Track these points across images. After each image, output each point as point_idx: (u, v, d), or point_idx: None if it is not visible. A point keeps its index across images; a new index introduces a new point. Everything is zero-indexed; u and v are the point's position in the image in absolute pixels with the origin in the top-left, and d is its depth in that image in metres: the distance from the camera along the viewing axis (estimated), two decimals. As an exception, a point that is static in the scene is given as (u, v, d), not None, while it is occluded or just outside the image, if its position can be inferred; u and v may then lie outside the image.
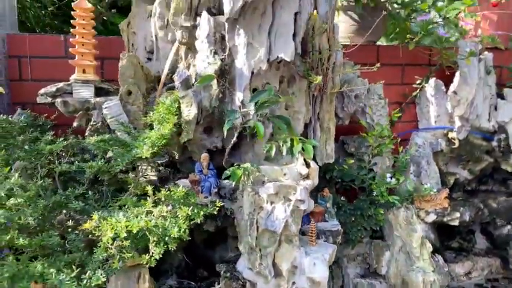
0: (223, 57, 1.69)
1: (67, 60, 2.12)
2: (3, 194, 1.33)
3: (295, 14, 1.65)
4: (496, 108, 2.63)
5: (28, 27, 3.13)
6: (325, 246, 1.71)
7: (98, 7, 2.09)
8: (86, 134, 1.89)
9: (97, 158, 1.70)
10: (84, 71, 1.94)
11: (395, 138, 2.30)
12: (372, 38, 2.63)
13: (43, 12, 3.25)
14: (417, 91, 2.65)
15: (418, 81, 2.63)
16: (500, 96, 2.65)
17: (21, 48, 2.19)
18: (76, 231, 1.54)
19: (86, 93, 1.92)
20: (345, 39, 2.59)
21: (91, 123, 1.87)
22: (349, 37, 2.59)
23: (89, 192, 1.61)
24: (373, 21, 2.32)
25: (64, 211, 1.61)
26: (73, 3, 1.92)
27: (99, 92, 1.98)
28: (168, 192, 1.40)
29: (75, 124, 1.98)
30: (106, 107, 1.85)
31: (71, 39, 1.96)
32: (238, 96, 1.71)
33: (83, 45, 1.94)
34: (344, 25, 2.59)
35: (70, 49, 1.96)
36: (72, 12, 1.93)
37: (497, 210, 2.58)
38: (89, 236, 1.49)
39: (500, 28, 2.66)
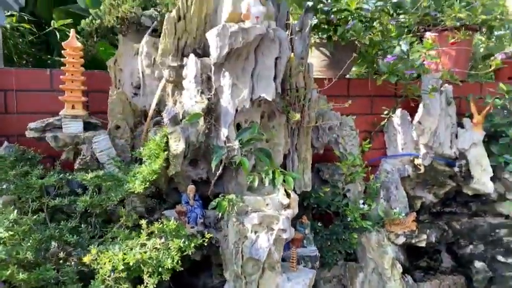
0: (209, 96, 1.82)
1: (52, 93, 2.20)
2: (2, 230, 1.39)
3: (276, 58, 1.80)
4: (456, 136, 2.84)
5: (7, 55, 3.17)
6: (305, 271, 1.84)
7: (87, 45, 2.19)
8: (76, 167, 1.95)
9: (87, 191, 1.77)
10: (73, 107, 2.02)
11: (366, 167, 2.47)
12: (344, 72, 2.82)
13: (21, 40, 3.31)
14: (385, 121, 2.84)
15: (386, 112, 2.82)
16: (460, 125, 2.87)
17: (7, 82, 2.25)
18: (68, 263, 1.61)
19: (75, 128, 1.99)
20: (318, 73, 2.77)
21: (81, 157, 1.95)
22: (321, 71, 2.78)
23: (82, 225, 1.68)
24: (344, 57, 2.51)
25: (56, 244, 1.67)
26: (63, 43, 2.01)
27: (87, 126, 2.06)
28: (161, 225, 1.50)
29: (63, 157, 2.04)
30: (95, 142, 1.93)
31: (61, 77, 2.04)
32: (224, 131, 1.84)
33: (72, 82, 2.02)
34: (316, 60, 2.77)
35: (60, 86, 2.04)
36: (62, 51, 2.02)
37: (460, 231, 2.78)
38: (80, 267, 1.57)
39: (458, 62, 2.91)
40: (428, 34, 2.55)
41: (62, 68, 2.03)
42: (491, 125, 2.81)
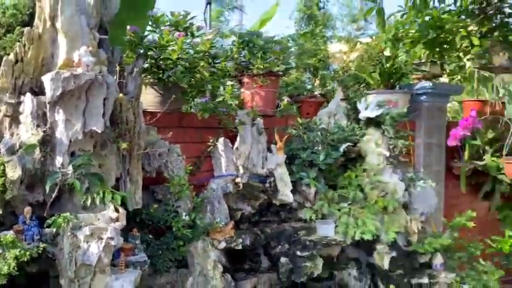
0: (45, 129, 2.12)
1: None
2: None
3: (104, 99, 2.21)
4: (266, 159, 3.58)
5: None
6: (132, 272, 2.23)
7: None
8: None
9: None
10: None
11: (190, 185, 2.99)
12: (176, 107, 3.33)
13: None
14: (211, 147, 3.42)
15: (211, 140, 3.41)
16: (269, 150, 3.61)
17: None
18: None
19: None
20: (152, 107, 3.23)
21: None
22: (155, 106, 3.24)
23: None
24: (172, 95, 3.03)
25: None
26: None
27: None
28: (-3, 239, 1.75)
29: None
30: None
31: None
32: (58, 159, 2.16)
33: None
34: (151, 96, 3.23)
35: None
36: None
37: (271, 235, 3.46)
38: None
39: (267, 100, 3.67)
40: (229, 82, 3.24)
41: None
42: (289, 149, 3.61)
